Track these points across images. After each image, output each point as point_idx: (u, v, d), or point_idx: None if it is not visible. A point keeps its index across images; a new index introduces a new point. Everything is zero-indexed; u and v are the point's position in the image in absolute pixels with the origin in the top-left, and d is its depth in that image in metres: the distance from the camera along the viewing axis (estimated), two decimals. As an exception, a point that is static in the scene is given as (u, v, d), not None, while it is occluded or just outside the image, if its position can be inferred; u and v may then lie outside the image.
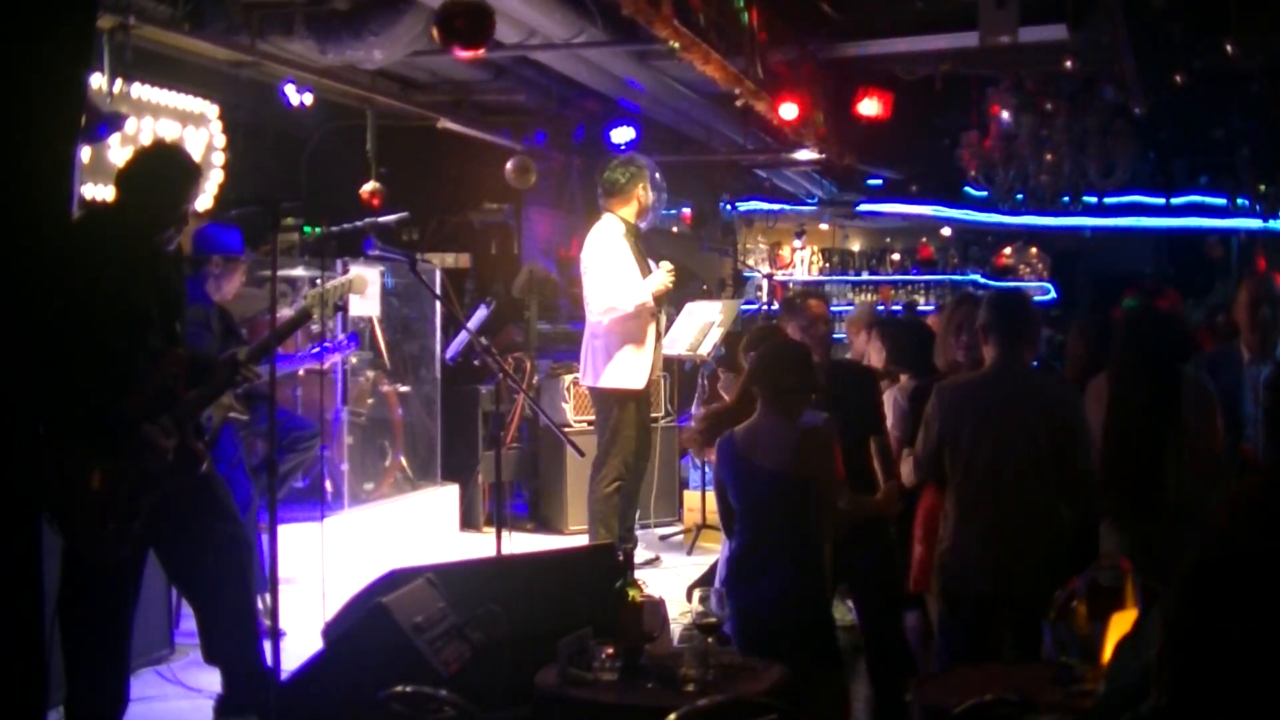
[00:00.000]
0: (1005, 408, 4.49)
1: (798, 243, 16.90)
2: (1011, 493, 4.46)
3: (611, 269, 7.31)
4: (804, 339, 5.06)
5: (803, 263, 16.96)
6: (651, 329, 7.41)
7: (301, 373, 7.41)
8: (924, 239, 17.48)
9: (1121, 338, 4.76)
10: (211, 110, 7.34)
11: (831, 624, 4.56)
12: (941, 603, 4.61)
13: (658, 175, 7.59)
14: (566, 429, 8.18)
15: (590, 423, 8.15)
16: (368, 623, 4.07)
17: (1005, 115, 10.62)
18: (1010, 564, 4.42)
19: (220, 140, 7.42)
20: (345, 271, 7.57)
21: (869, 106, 10.23)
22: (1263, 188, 11.65)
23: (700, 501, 8.61)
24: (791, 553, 4.34)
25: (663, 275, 7.36)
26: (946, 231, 17.21)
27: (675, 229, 13.75)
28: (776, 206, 16.11)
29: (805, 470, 4.34)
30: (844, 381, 5.06)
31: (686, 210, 13.84)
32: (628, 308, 7.26)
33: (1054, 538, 4.53)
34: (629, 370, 7.32)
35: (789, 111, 9.01)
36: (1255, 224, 15.13)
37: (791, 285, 16.18)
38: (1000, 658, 4.49)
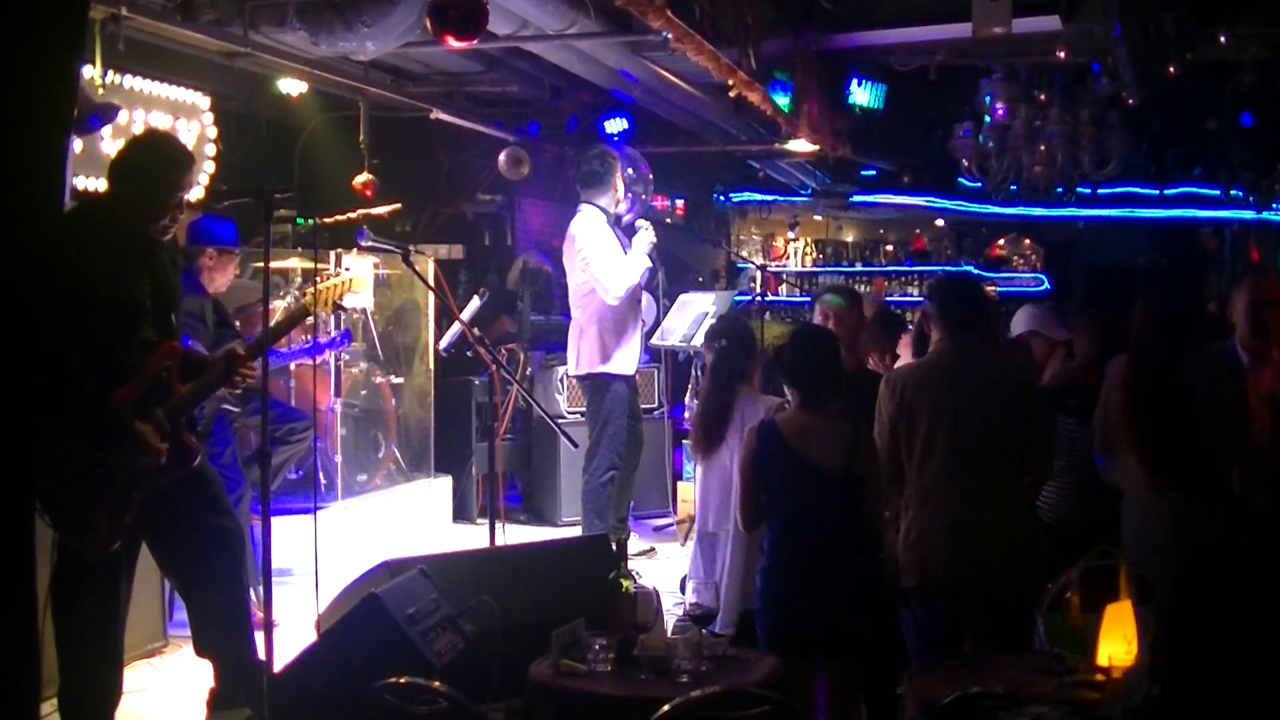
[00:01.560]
0: (959, 391, 4.46)
1: (791, 234, 16.87)
2: (974, 476, 4.43)
3: (608, 252, 7.40)
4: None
5: (796, 254, 16.92)
6: (637, 316, 7.52)
7: (293, 365, 7.41)
8: (918, 230, 17.44)
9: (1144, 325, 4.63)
10: (204, 101, 7.32)
11: (885, 625, 4.41)
12: (914, 592, 4.54)
13: (630, 170, 7.79)
14: (560, 420, 8.17)
15: (584, 413, 8.17)
16: (360, 614, 4.08)
17: (999, 106, 10.60)
18: (979, 549, 4.38)
19: (212, 132, 7.39)
20: (339, 263, 7.58)
21: (862, 97, 10.22)
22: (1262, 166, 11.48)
23: (694, 493, 8.60)
24: (848, 558, 4.26)
25: (646, 234, 7.48)
26: (940, 223, 17.18)
27: (669, 220, 13.72)
28: (770, 197, 16.07)
29: (859, 469, 4.27)
30: (864, 390, 4.95)
31: (661, 199, 13.85)
32: (636, 278, 7.40)
33: (1023, 522, 4.50)
34: (617, 357, 7.36)
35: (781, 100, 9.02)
36: (1249, 215, 15.13)
37: (784, 275, 16.17)
38: (975, 645, 4.48)
